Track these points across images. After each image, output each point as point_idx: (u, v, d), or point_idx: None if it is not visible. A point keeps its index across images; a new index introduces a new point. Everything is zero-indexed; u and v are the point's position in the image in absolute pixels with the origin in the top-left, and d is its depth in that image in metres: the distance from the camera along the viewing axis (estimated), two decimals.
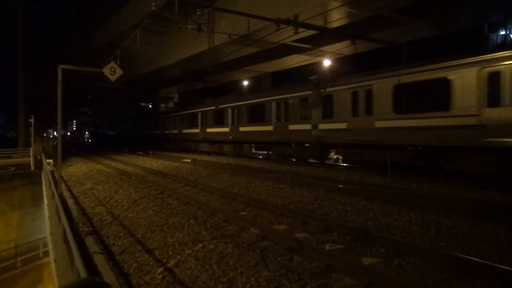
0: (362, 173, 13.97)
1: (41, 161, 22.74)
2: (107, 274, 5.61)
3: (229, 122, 23.88)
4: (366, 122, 14.55)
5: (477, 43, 27.52)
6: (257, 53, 21.44)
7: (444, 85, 11.93)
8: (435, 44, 26.31)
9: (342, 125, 15.61)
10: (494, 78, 10.71)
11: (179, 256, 6.14)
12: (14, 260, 20.04)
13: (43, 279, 19.68)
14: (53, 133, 63.89)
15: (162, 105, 48.52)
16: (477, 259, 4.97)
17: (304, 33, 16.77)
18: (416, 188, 10.58)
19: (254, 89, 35.13)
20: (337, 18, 15.55)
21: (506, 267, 4.61)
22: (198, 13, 14.59)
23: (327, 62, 24.28)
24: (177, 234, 7.41)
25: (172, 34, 23.06)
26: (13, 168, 24.43)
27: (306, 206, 9.31)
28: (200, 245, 6.54)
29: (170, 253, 6.39)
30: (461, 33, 23.28)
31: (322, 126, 16.66)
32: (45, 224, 15.07)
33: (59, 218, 6.37)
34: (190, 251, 6.32)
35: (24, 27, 36.46)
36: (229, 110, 23.93)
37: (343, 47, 20.43)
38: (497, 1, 15.27)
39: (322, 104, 16.58)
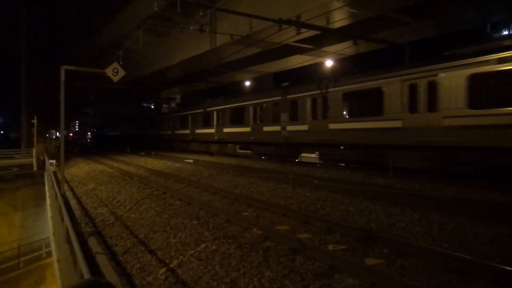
0: (364, 173, 13.95)
1: (43, 162, 22.81)
2: (110, 274, 5.62)
3: (215, 124, 26.26)
4: (322, 124, 16.73)
5: (479, 43, 27.45)
6: (259, 53, 21.45)
7: (379, 94, 14.06)
8: (437, 44, 26.26)
9: (304, 127, 17.78)
10: (413, 89, 12.91)
11: (181, 257, 6.14)
12: (17, 261, 20.12)
13: (45, 280, 19.74)
14: (56, 134, 64.08)
15: (165, 105, 48.64)
16: (480, 260, 4.96)
17: (306, 33, 16.78)
18: (419, 189, 10.55)
19: (256, 89, 35.21)
20: (339, 19, 15.55)
21: (509, 268, 4.60)
22: (200, 13, 14.62)
23: (329, 63, 24.29)
24: (179, 234, 7.41)
25: (174, 35, 23.09)
26: (16, 169, 24.51)
27: (309, 206, 9.30)
28: (203, 245, 6.54)
29: (173, 253, 6.40)
30: (463, 33, 23.24)
31: (289, 128, 18.91)
32: (47, 225, 15.14)
33: (62, 219, 6.39)
34: (192, 251, 6.33)
35: (26, 27, 36.54)
36: (215, 113, 26.29)
37: (345, 47, 20.41)
38: (499, 1, 15.24)
39: (289, 109, 18.82)
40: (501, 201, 8.53)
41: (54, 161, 23.53)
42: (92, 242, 7.34)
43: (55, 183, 11.19)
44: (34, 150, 27.05)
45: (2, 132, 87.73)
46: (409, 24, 16.56)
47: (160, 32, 23.80)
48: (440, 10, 15.79)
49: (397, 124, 13.27)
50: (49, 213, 13.03)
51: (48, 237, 17.85)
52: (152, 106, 68.60)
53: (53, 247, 10.48)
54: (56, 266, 8.62)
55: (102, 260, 6.19)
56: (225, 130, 24.77)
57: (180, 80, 33.94)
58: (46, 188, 16.18)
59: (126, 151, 35.53)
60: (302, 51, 20.99)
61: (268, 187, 12.12)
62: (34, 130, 28.76)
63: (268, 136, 20.46)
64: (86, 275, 3.26)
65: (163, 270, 5.69)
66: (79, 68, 13.12)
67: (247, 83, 36.81)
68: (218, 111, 25.90)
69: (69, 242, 5.79)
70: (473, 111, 11.21)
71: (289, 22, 15.15)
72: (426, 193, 9.81)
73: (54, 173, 16.63)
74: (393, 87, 13.53)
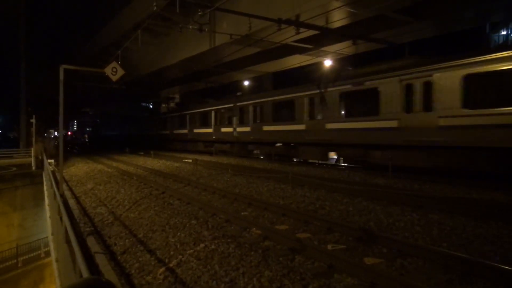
0: (363, 173, 13.94)
1: (42, 161, 22.76)
2: (109, 274, 5.60)
3: (188, 125, 30.58)
4: (259, 126, 20.91)
5: (478, 43, 27.51)
6: (258, 53, 21.43)
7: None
8: (436, 44, 26.29)
9: (247, 128, 22.13)
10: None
11: (180, 256, 6.13)
12: (15, 260, 20.09)
13: (44, 279, 19.71)
14: (55, 133, 64.02)
15: (163, 105, 48.71)
16: (480, 260, 4.95)
17: (306, 33, 16.75)
18: (418, 189, 10.55)
19: (255, 90, 35.28)
20: (338, 18, 15.53)
21: (509, 268, 4.59)
22: (199, 13, 14.57)
23: (328, 62, 24.28)
24: (178, 234, 7.40)
25: (174, 35, 23.07)
26: (14, 168, 24.45)
27: (308, 206, 9.29)
28: (202, 245, 6.53)
29: (172, 253, 6.38)
30: (462, 33, 23.26)
31: (238, 129, 23.13)
32: (46, 224, 15.09)
33: (61, 218, 6.37)
34: (191, 251, 6.31)
35: (26, 27, 36.52)
36: (188, 116, 30.69)
37: (344, 47, 20.41)
38: (498, 1, 15.24)
39: (238, 114, 23.08)
40: (501, 201, 8.53)
41: (52, 160, 23.49)
42: (91, 241, 7.32)
43: (53, 183, 11.16)
44: (32, 149, 27.00)
45: (0, 131, 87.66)
46: (408, 24, 16.55)
47: (159, 31, 23.75)
48: (439, 10, 15.79)
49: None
50: (47, 212, 12.99)
51: (47, 237, 17.81)
52: (151, 106, 68.59)
53: (51, 246, 10.45)
54: (54, 266, 8.59)
55: (101, 260, 6.17)
56: (195, 131, 29.46)
57: (179, 80, 33.91)
58: (45, 187, 16.14)
59: (125, 150, 35.51)
60: (301, 51, 20.97)
61: (268, 187, 12.11)
62: (33, 129, 28.71)
63: (225, 136, 24.78)
64: (85, 274, 3.25)
65: (162, 269, 5.68)
66: (78, 68, 13.10)
67: (246, 83, 36.80)
68: (190, 114, 30.32)
69: (68, 241, 5.78)
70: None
71: (288, 22, 15.12)
72: (425, 193, 9.81)
73: (53, 172, 16.59)
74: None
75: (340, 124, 15.70)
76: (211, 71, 28.88)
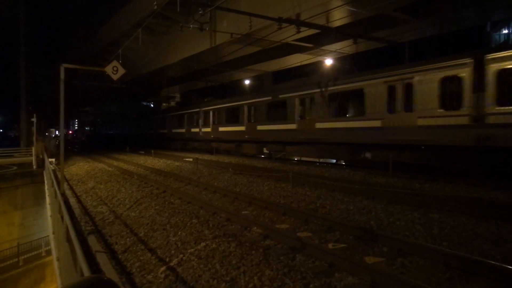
0: (364, 172, 13.95)
1: (43, 160, 22.78)
2: (110, 273, 5.61)
3: (167, 126, 35.52)
4: (216, 128, 25.71)
5: (479, 42, 27.46)
6: (259, 52, 21.43)
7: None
8: (437, 43, 26.26)
9: (208, 129, 26.78)
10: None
11: (181, 255, 6.14)
12: (16, 259, 20.10)
13: (45, 278, 19.74)
14: (55, 132, 64.03)
15: (164, 104, 48.79)
16: (480, 259, 4.96)
17: (306, 32, 16.75)
18: (419, 188, 10.56)
19: (256, 88, 35.33)
20: (339, 17, 15.53)
21: (509, 267, 4.60)
22: (200, 12, 14.58)
23: (328, 61, 24.28)
24: (179, 233, 7.41)
25: (174, 34, 23.06)
26: (15, 167, 24.48)
27: (309, 205, 9.30)
28: (203, 244, 6.54)
29: (173, 252, 6.39)
30: (463, 32, 23.22)
31: (203, 130, 27.78)
32: (47, 223, 15.13)
33: (62, 217, 6.38)
34: (192, 250, 6.32)
35: (26, 26, 36.50)
36: (167, 118, 35.48)
37: (344, 46, 20.39)
38: (498, 0, 15.22)
39: (203, 117, 27.66)
40: (501, 200, 8.53)
41: (53, 159, 23.50)
42: (92, 240, 7.33)
43: (54, 182, 11.18)
44: (33, 148, 27.01)
45: (1, 130, 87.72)
46: (409, 23, 16.54)
47: (160, 30, 23.75)
48: (440, 9, 15.78)
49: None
50: (48, 211, 13.02)
51: (48, 236, 17.83)
52: (152, 105, 68.61)
53: (52, 245, 10.48)
54: (55, 265, 8.61)
55: (102, 259, 6.18)
56: (173, 130, 34.11)
57: (180, 79, 33.94)
58: (46, 186, 16.17)
59: (125, 149, 35.53)
60: (301, 50, 20.97)
61: (268, 186, 12.12)
62: (34, 128, 28.72)
63: (193, 135, 29.65)
64: (86, 273, 3.26)
65: (163, 268, 5.69)
66: (79, 67, 13.08)
67: (247, 82, 36.78)
68: (170, 116, 35.00)
69: (69, 240, 5.79)
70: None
71: (288, 21, 15.12)
72: (426, 192, 9.81)
73: (54, 171, 16.61)
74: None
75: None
76: (212, 70, 28.90)
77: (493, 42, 28.01)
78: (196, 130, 28.87)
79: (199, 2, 15.49)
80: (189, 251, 6.29)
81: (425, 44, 25.61)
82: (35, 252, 21.05)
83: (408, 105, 12.93)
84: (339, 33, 17.53)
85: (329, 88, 16.11)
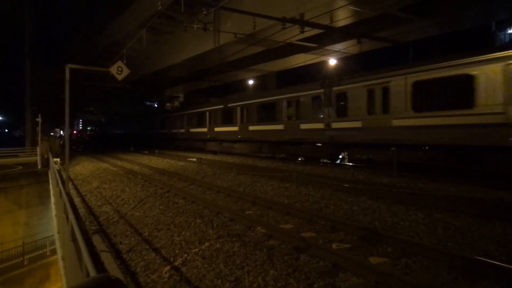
0: (368, 172, 13.93)
1: (48, 160, 22.89)
2: (115, 272, 5.64)
3: (154, 126, 41.45)
4: (187, 130, 31.77)
5: (484, 41, 27.30)
6: (262, 52, 21.41)
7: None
8: (441, 42, 26.15)
9: (183, 130, 32.81)
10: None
11: (186, 255, 6.15)
12: (21, 258, 20.21)
13: (50, 277, 19.83)
14: (60, 132, 64.27)
15: (168, 104, 48.95)
16: (485, 259, 4.94)
17: (310, 32, 16.72)
18: (423, 188, 10.53)
19: (261, 88, 35.39)
20: (343, 17, 15.49)
21: None
22: (204, 12, 14.59)
23: (332, 61, 24.23)
24: (183, 233, 7.43)
25: (178, 34, 23.09)
26: (20, 167, 24.60)
27: (312, 205, 9.30)
28: (207, 244, 6.56)
29: (177, 251, 6.41)
30: (467, 31, 23.10)
31: (179, 131, 33.91)
32: (52, 223, 15.18)
33: (67, 217, 6.41)
34: (197, 249, 6.34)
35: (31, 26, 36.66)
36: (154, 120, 41.77)
37: (348, 46, 20.35)
38: (502, 0, 15.13)
39: (180, 120, 33.55)
40: (506, 200, 8.49)
41: (58, 159, 23.61)
42: (97, 240, 7.36)
43: (59, 182, 11.23)
44: (38, 148, 27.13)
45: (6, 130, 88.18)
46: (413, 23, 16.47)
47: (164, 31, 23.77)
48: (444, 9, 15.70)
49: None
50: (53, 211, 13.07)
51: (53, 235, 17.93)
52: (156, 105, 68.75)
53: (57, 245, 10.52)
54: (60, 264, 8.65)
55: (107, 258, 6.21)
56: (160, 131, 39.31)
57: (184, 79, 33.97)
58: (51, 186, 16.24)
59: (129, 149, 35.66)
60: (305, 50, 20.94)
61: (272, 186, 12.13)
62: (39, 128, 28.83)
63: (173, 135, 35.22)
64: (92, 272, 3.27)
65: (167, 268, 5.71)
66: (83, 67, 13.14)
67: (251, 82, 36.78)
68: (155, 119, 40.77)
69: (74, 240, 5.82)
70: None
71: (292, 21, 15.11)
72: (430, 192, 9.78)
73: (59, 171, 16.68)
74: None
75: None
76: (215, 70, 28.91)
77: (498, 41, 27.83)
78: (181, 130, 34.01)
79: (203, 2, 15.49)
80: (193, 250, 6.31)
81: (429, 43, 25.51)
82: (40, 252, 21.16)
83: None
84: (343, 33, 17.50)
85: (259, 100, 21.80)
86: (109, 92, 40.13)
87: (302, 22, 15.29)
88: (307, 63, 24.47)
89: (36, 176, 23.03)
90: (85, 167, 21.54)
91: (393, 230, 6.85)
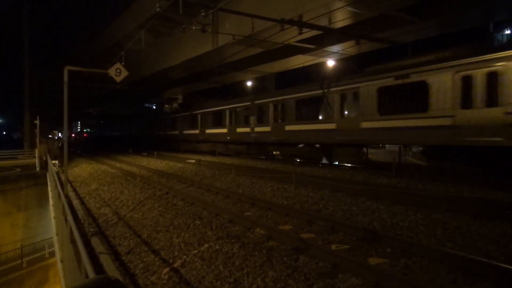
0: (367, 173, 13.93)
1: (46, 162, 22.86)
2: (114, 274, 5.62)
3: (152, 128, 43.12)
4: (171, 131, 35.86)
5: (482, 42, 27.33)
6: (261, 53, 21.41)
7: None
8: (440, 43, 26.17)
9: (162, 133, 37.68)
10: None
11: (185, 257, 6.14)
12: (20, 261, 20.15)
13: (48, 280, 19.79)
14: (59, 134, 64.15)
15: (166, 106, 48.97)
16: (485, 260, 4.94)
17: (309, 33, 16.74)
18: (422, 188, 10.53)
19: (259, 89, 35.47)
20: (341, 18, 15.50)
21: None
22: (202, 13, 14.61)
23: (331, 63, 24.25)
24: (182, 234, 7.42)
25: (177, 35, 23.09)
26: (18, 169, 24.55)
27: (312, 206, 9.29)
28: (206, 245, 6.55)
29: (176, 253, 6.40)
30: (465, 32, 23.15)
31: (156, 133, 39.85)
32: (50, 225, 15.17)
33: (66, 219, 6.40)
34: (196, 251, 6.33)
35: (29, 27, 36.64)
36: (152, 121, 43.98)
37: (347, 47, 20.37)
38: (502, 0, 15.17)
39: (161, 123, 38.14)
40: (505, 200, 8.50)
41: (57, 161, 23.58)
42: (96, 242, 7.34)
43: (58, 184, 11.21)
44: (37, 150, 27.10)
45: (5, 132, 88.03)
46: (411, 24, 16.50)
47: (163, 32, 23.79)
48: (443, 9, 15.73)
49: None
50: (52, 213, 13.05)
51: (51, 237, 17.90)
52: (154, 107, 68.74)
53: (56, 247, 10.51)
54: (59, 266, 8.63)
55: (106, 260, 6.20)
56: (149, 134, 43.43)
57: (182, 81, 33.93)
58: (49, 188, 16.21)
59: (128, 151, 35.63)
60: (304, 51, 20.95)
61: (271, 187, 12.12)
62: (37, 130, 28.81)
63: (159, 136, 39.44)
64: (91, 274, 3.27)
65: (166, 270, 5.70)
66: (82, 69, 13.12)
67: (249, 83, 36.79)
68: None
69: (73, 242, 5.81)
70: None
71: (291, 22, 15.12)
72: (429, 192, 9.79)
73: (57, 173, 16.65)
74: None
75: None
76: (214, 72, 28.88)
77: (496, 42, 27.89)
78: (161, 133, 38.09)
79: (201, 4, 15.51)
80: (192, 252, 6.30)
81: (428, 44, 25.52)
82: (39, 254, 21.12)
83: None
84: (342, 34, 17.52)
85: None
86: (108, 94, 40.06)
87: (300, 23, 15.31)
88: (306, 64, 24.48)
89: (34, 178, 22.98)
90: (83, 169, 21.51)
91: (392, 231, 6.85)
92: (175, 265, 5.85)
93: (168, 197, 11.57)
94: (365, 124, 14.89)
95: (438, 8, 15.55)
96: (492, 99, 11.02)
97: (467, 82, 11.61)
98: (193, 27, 16.02)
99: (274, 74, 32.59)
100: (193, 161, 21.65)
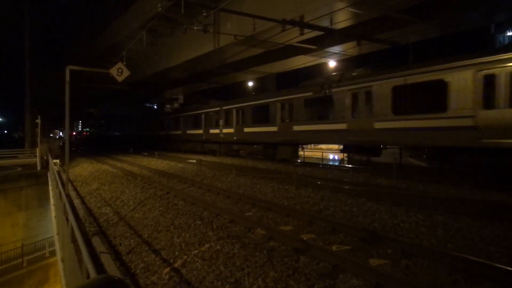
0: (368, 174, 13.93)
1: (47, 162, 22.87)
2: (114, 273, 5.63)
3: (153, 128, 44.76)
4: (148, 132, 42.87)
5: (483, 43, 27.37)
6: (262, 54, 21.41)
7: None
8: (441, 44, 26.18)
9: (161, 132, 38.73)
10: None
11: (185, 256, 6.15)
12: (20, 260, 20.15)
13: (49, 279, 19.79)
14: (59, 134, 64.22)
15: (167, 106, 49.03)
16: (485, 261, 4.94)
17: (310, 34, 16.74)
18: (423, 189, 10.53)
19: (260, 90, 35.54)
20: (343, 19, 15.49)
21: None
22: (204, 14, 14.60)
23: (332, 63, 24.25)
24: (183, 234, 7.43)
25: (178, 35, 23.10)
26: (19, 169, 24.56)
27: (312, 207, 9.29)
28: (207, 245, 6.55)
29: (177, 253, 6.41)
30: (467, 33, 23.15)
31: (155, 133, 40.91)
32: (51, 224, 15.16)
33: (67, 218, 6.41)
34: (196, 251, 6.33)
35: (30, 27, 36.69)
36: (153, 121, 44.75)
37: (348, 48, 20.36)
38: (503, 1, 15.16)
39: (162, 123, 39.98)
40: (506, 201, 8.49)
41: (57, 161, 23.59)
42: (96, 241, 7.36)
43: (59, 183, 11.22)
44: (37, 150, 27.10)
45: (6, 131, 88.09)
46: (413, 25, 16.49)
47: (164, 32, 23.79)
48: (444, 10, 15.72)
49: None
50: (53, 212, 13.05)
51: (52, 237, 17.90)
52: (155, 107, 68.78)
53: (57, 246, 10.50)
54: (60, 265, 8.63)
55: (107, 260, 6.21)
56: (143, 134, 46.31)
57: (183, 81, 33.95)
58: (50, 188, 16.22)
59: (129, 151, 35.65)
60: (305, 51, 20.95)
61: (272, 188, 12.12)
62: (38, 130, 28.81)
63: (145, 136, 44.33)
64: (92, 274, 3.27)
65: (167, 269, 5.70)
66: (83, 68, 13.14)
67: (250, 84, 36.81)
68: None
69: (73, 241, 5.81)
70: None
71: (292, 23, 15.11)
72: (430, 193, 9.78)
73: (58, 173, 16.66)
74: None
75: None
76: (215, 72, 28.92)
77: (497, 43, 27.91)
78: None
79: (203, 4, 15.50)
80: (193, 252, 6.31)
81: (429, 45, 25.52)
82: (39, 253, 21.11)
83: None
84: (343, 35, 17.52)
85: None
86: (108, 94, 40.09)
87: (302, 24, 15.31)
88: (307, 65, 24.47)
89: (35, 178, 22.99)
90: (84, 169, 21.53)
91: (393, 232, 6.85)
92: (176, 265, 5.85)
93: (169, 197, 11.57)
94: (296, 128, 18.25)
95: (439, 9, 15.54)
96: None
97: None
98: (195, 27, 16.02)
99: (275, 74, 32.58)
100: (194, 161, 21.66)
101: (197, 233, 7.39)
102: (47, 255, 20.73)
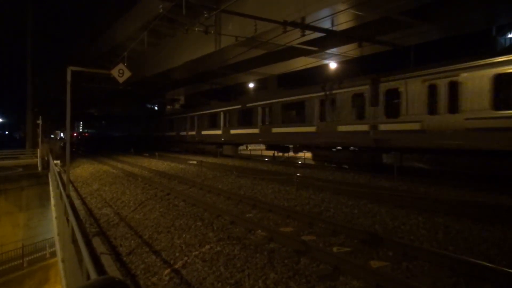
0: (369, 175, 13.92)
1: (48, 162, 22.90)
2: (115, 274, 5.62)
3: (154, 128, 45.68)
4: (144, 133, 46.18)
5: (485, 46, 27.34)
6: (263, 55, 21.45)
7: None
8: (442, 47, 26.16)
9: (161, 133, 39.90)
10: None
11: (186, 258, 6.14)
12: (21, 260, 20.17)
13: (49, 280, 19.80)
14: (60, 134, 64.34)
15: (168, 106, 49.11)
16: (486, 263, 4.93)
17: (311, 35, 16.75)
18: (424, 191, 10.51)
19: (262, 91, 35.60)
20: (344, 21, 15.52)
21: None
22: (205, 15, 14.63)
23: (333, 65, 24.27)
24: (184, 235, 7.42)
25: (179, 36, 23.17)
26: (20, 169, 24.60)
27: (313, 208, 9.29)
28: (207, 246, 6.54)
29: (177, 254, 6.40)
30: (468, 36, 23.13)
31: (155, 133, 41.68)
32: (52, 225, 15.17)
33: (67, 219, 6.41)
34: (197, 252, 6.33)
35: (33, 28, 36.81)
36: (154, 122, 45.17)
37: (349, 49, 20.36)
38: (504, 4, 15.16)
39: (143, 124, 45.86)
40: (507, 204, 8.48)
41: (58, 161, 23.62)
42: (97, 242, 7.35)
43: (59, 184, 11.22)
44: (38, 150, 27.14)
45: (7, 132, 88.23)
46: (414, 27, 16.50)
47: (165, 33, 23.86)
48: (446, 13, 15.73)
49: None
50: (53, 213, 13.05)
51: (52, 237, 17.91)
52: (156, 108, 68.85)
53: (57, 247, 10.50)
54: (60, 266, 8.63)
55: (107, 261, 6.20)
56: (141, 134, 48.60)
57: (185, 82, 34.02)
58: (51, 188, 16.23)
59: (130, 151, 35.67)
60: (306, 53, 20.97)
61: (272, 189, 12.12)
62: (39, 130, 28.86)
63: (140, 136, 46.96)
64: (93, 275, 3.26)
65: (167, 271, 5.69)
66: (85, 69, 13.15)
67: (251, 85, 36.84)
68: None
69: (74, 242, 5.81)
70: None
71: (294, 24, 15.13)
72: (431, 196, 9.77)
73: (59, 173, 16.67)
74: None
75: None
76: (216, 73, 28.95)
77: (498, 46, 27.87)
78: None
79: (204, 5, 15.54)
80: (193, 253, 6.30)
81: (430, 48, 25.51)
82: (40, 254, 21.14)
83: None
84: (344, 37, 17.53)
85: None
86: (109, 94, 40.15)
87: (303, 26, 15.32)
88: (308, 66, 24.50)
89: (36, 178, 23.03)
90: (85, 169, 21.54)
91: (394, 234, 6.84)
92: (176, 266, 5.84)
93: (169, 198, 11.57)
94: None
95: (441, 12, 15.55)
96: None
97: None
98: (196, 29, 16.05)
99: (276, 76, 32.61)
100: (195, 162, 21.66)
101: (198, 234, 7.38)
102: (48, 255, 20.76)
